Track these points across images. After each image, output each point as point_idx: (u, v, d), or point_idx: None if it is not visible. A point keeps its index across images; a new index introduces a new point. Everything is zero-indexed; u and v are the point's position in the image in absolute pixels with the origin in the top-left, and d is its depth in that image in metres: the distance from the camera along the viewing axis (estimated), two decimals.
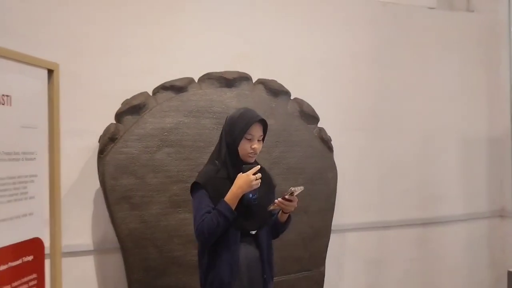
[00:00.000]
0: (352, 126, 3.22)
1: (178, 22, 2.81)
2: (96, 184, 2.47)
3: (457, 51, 3.55)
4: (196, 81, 2.64)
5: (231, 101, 2.62)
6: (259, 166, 1.85)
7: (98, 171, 2.41)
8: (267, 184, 1.97)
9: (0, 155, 1.62)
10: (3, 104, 1.64)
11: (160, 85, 2.54)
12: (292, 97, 2.83)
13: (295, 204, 1.87)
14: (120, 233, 2.37)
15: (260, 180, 1.82)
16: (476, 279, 3.58)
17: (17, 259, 1.73)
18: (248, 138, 1.87)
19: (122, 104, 2.48)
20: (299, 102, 2.82)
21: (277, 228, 1.99)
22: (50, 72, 1.92)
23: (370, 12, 3.31)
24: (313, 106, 2.85)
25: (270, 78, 2.77)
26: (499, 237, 3.59)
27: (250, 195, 1.82)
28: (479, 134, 3.59)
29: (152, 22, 2.74)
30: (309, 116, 2.82)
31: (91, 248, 2.58)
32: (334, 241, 3.00)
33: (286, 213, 1.92)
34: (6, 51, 1.66)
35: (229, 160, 1.88)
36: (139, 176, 2.40)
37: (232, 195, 1.80)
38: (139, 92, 2.51)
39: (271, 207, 1.86)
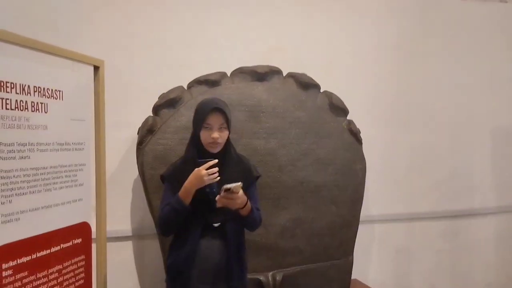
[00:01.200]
0: (381, 118, 3.25)
1: (213, 19, 2.92)
2: (136, 173, 2.62)
3: (488, 42, 3.51)
4: (229, 75, 2.73)
5: (262, 95, 2.70)
6: (214, 161, 1.79)
7: (137, 161, 2.55)
8: (241, 174, 1.91)
9: (54, 145, 1.78)
10: (55, 99, 1.79)
11: (194, 80, 2.65)
12: (321, 90, 2.88)
13: (237, 201, 1.78)
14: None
15: (216, 175, 1.77)
16: (506, 273, 3.56)
17: (68, 242, 1.90)
18: (207, 127, 1.84)
19: (159, 97, 2.60)
20: (328, 95, 2.87)
21: (242, 221, 1.92)
22: (96, 68, 2.07)
23: (399, 4, 3.31)
24: (342, 99, 2.90)
25: (300, 72, 2.84)
26: None
27: (207, 189, 1.78)
28: (510, 125, 3.54)
29: (188, 20, 2.87)
30: (338, 109, 2.87)
31: (130, 233, 2.74)
32: (362, 231, 3.05)
33: (235, 209, 1.83)
34: (58, 49, 1.81)
35: (196, 151, 1.88)
36: None
37: (184, 190, 1.79)
38: (175, 86, 2.63)
39: (218, 205, 1.79)
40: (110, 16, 2.71)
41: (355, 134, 2.90)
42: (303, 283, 2.71)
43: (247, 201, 1.85)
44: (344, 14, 3.20)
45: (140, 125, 2.56)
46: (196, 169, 1.78)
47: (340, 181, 2.82)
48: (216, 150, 1.88)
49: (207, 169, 1.77)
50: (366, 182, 2.95)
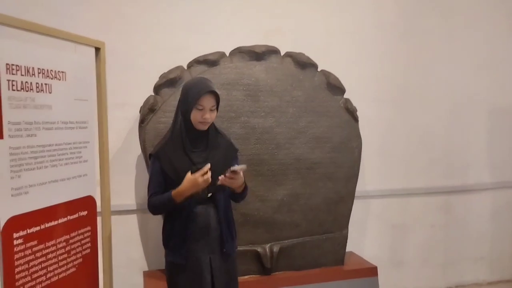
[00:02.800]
0: (379, 96, 3.31)
1: (211, 0, 2.96)
2: (138, 150, 2.73)
3: (486, 20, 3.51)
4: (227, 55, 2.80)
5: (260, 74, 2.78)
6: (208, 166, 1.85)
7: (140, 139, 2.65)
8: (225, 150, 2.03)
9: (59, 124, 1.89)
10: (59, 80, 1.88)
11: (194, 59, 2.73)
12: (319, 69, 2.94)
13: (239, 181, 1.89)
14: None
15: (208, 176, 1.83)
16: (499, 247, 3.66)
17: (74, 214, 2.03)
18: (199, 108, 1.91)
19: (159, 77, 2.69)
20: (326, 74, 2.93)
21: (234, 196, 2.06)
22: (97, 50, 2.15)
23: None
24: (340, 78, 2.95)
25: (298, 52, 2.89)
26: None
27: (202, 195, 1.92)
28: (508, 104, 3.58)
29: (187, 2, 2.92)
30: (335, 88, 2.93)
31: (135, 207, 2.88)
32: (359, 206, 3.17)
33: (233, 187, 1.94)
34: (60, 32, 1.89)
35: (184, 128, 1.94)
36: None
37: (179, 194, 1.86)
38: (175, 66, 2.71)
39: (218, 182, 1.87)
40: (109, 1, 2.78)
41: (352, 113, 2.97)
42: (299, 255, 2.85)
43: (244, 180, 1.96)
44: None
45: (142, 104, 2.65)
46: (192, 176, 1.85)
47: (337, 158, 2.91)
48: (204, 128, 1.97)
49: (202, 175, 1.84)
50: (362, 159, 3.04)
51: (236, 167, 1.84)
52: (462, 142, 3.52)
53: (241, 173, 1.90)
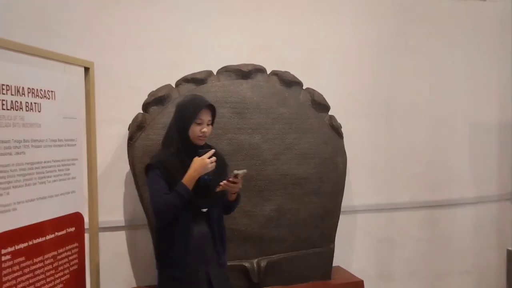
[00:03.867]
0: (362, 113, 3.39)
1: (199, 20, 3.05)
2: (127, 167, 2.77)
3: (468, 39, 3.63)
4: (215, 73, 2.87)
5: (246, 92, 2.85)
6: (213, 150, 1.99)
7: (128, 156, 2.69)
8: (220, 164, 2.09)
9: (47, 142, 1.93)
10: (48, 99, 1.94)
11: (182, 78, 2.79)
12: (304, 87, 3.02)
13: (239, 185, 2.00)
14: (148, 211, 2.66)
15: (215, 163, 1.97)
16: (483, 261, 3.72)
17: (62, 230, 2.06)
18: (198, 122, 2.00)
19: (148, 95, 2.74)
20: (310, 91, 3.01)
21: (227, 206, 2.14)
22: (87, 69, 2.21)
23: (379, 2, 3.43)
24: (324, 95, 3.03)
25: (283, 70, 2.97)
26: (508, 220, 3.71)
27: (206, 177, 1.96)
28: (490, 120, 3.69)
29: (175, 21, 3.00)
30: (320, 105, 3.01)
31: (123, 224, 2.90)
32: (344, 221, 3.21)
33: (233, 193, 2.05)
34: (50, 53, 1.96)
35: (181, 144, 2.01)
36: None
37: (189, 177, 1.92)
38: (163, 84, 2.77)
39: (218, 188, 1.97)
40: (101, 18, 2.85)
41: (336, 129, 3.04)
42: (286, 269, 2.88)
43: None
44: (325, 13, 3.32)
45: (130, 121, 2.70)
46: (199, 158, 1.94)
47: (322, 173, 2.97)
48: (202, 142, 2.06)
49: (209, 158, 1.96)
50: (348, 175, 3.11)
51: (239, 171, 1.94)
52: (445, 156, 3.60)
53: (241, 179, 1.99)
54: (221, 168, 2.10)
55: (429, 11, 3.55)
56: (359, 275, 3.07)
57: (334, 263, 3.05)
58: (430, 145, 3.56)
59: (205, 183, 1.98)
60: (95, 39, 2.82)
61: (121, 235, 2.92)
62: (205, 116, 2.03)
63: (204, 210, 2.03)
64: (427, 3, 3.55)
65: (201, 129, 2.01)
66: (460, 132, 3.64)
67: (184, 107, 2.04)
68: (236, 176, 1.94)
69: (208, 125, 2.04)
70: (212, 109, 2.06)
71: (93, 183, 2.29)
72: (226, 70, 2.86)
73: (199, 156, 1.96)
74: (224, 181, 1.95)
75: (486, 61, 3.69)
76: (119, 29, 2.89)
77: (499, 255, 3.72)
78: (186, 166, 1.96)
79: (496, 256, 3.65)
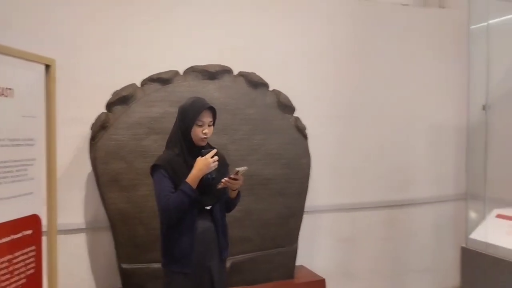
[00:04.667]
0: (328, 114, 3.46)
1: (166, 18, 3.02)
2: (88, 168, 2.70)
3: (429, 45, 3.78)
4: (181, 73, 2.85)
5: (213, 92, 2.84)
6: (215, 150, 2.06)
7: (90, 156, 2.63)
8: (221, 164, 2.14)
9: (5, 141, 1.85)
10: (6, 96, 1.86)
11: (147, 77, 2.75)
12: (270, 89, 3.05)
13: (240, 182, 2.05)
14: (110, 213, 2.61)
15: (217, 162, 2.03)
16: (441, 258, 3.88)
17: (18, 233, 1.97)
18: (199, 124, 2.05)
19: (112, 95, 2.69)
20: (276, 93, 3.04)
21: (228, 203, 2.21)
22: (48, 67, 2.13)
23: (346, 8, 3.53)
24: (290, 97, 3.06)
25: (250, 71, 2.99)
26: (463, 219, 3.87)
27: (209, 176, 2.02)
28: (447, 123, 3.85)
29: (141, 19, 2.95)
30: (286, 106, 3.05)
31: (84, 226, 2.83)
32: (308, 221, 3.27)
33: (234, 190, 2.12)
34: (9, 48, 1.87)
35: (185, 145, 2.07)
36: (128, 161, 2.62)
37: (193, 177, 1.99)
38: (128, 84, 2.72)
39: (220, 186, 2.03)
40: (64, 14, 2.76)
41: (301, 130, 3.09)
42: (251, 270, 2.90)
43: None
44: (293, 16, 3.37)
45: (93, 121, 2.64)
46: (203, 158, 2.01)
47: (288, 174, 3.00)
48: (204, 143, 2.11)
49: (212, 157, 2.01)
50: (313, 175, 3.16)
51: (240, 168, 1.99)
52: (405, 158, 3.73)
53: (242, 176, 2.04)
54: (223, 167, 2.16)
55: (392, 17, 3.67)
56: (321, 274, 3.13)
57: (298, 263, 3.10)
58: (392, 147, 3.68)
59: (209, 181, 2.04)
60: (57, 36, 2.72)
61: (81, 237, 2.84)
62: (206, 118, 2.07)
63: (208, 207, 2.09)
64: (390, 9, 3.68)
65: (202, 131, 2.06)
66: (419, 135, 3.78)
67: (186, 109, 2.09)
68: (237, 173, 1.99)
69: (209, 126, 2.09)
70: (213, 110, 2.11)
71: (53, 184, 2.21)
72: (193, 71, 2.85)
73: (202, 156, 2.02)
74: (226, 178, 2.01)
75: (444, 67, 3.85)
76: (83, 26, 2.81)
77: (455, 253, 3.88)
78: (189, 166, 2.02)
79: (452, 253, 3.81)
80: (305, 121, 3.11)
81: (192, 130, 2.06)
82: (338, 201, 3.51)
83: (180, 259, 2.06)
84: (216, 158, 2.02)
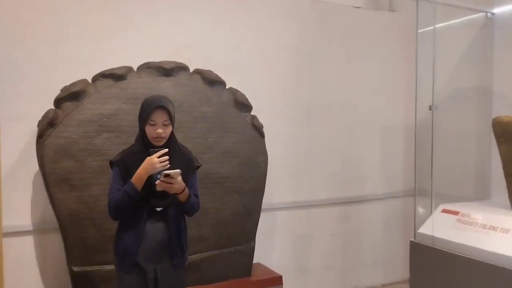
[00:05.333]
0: (284, 113, 3.51)
1: (120, 12, 2.93)
2: (35, 167, 2.57)
3: (380, 48, 3.92)
4: (135, 70, 2.77)
5: (169, 90, 2.78)
6: (165, 150, 1.96)
7: (37, 155, 2.50)
8: (184, 166, 2.06)
9: None
10: None
11: (99, 73, 2.66)
12: (227, 87, 3.04)
13: (175, 186, 1.93)
14: (60, 214, 2.50)
15: (166, 163, 1.93)
16: (391, 251, 4.04)
17: None
18: (152, 124, 1.99)
19: (61, 90, 2.57)
20: (233, 91, 3.04)
21: (182, 207, 2.10)
22: None
23: (300, 9, 3.58)
24: (247, 95, 3.07)
25: (206, 69, 2.96)
26: (411, 214, 4.05)
27: (158, 176, 1.93)
28: (397, 123, 4.00)
29: (94, 12, 2.85)
30: (243, 105, 3.05)
31: (31, 228, 2.70)
32: (265, 219, 3.29)
33: (174, 193, 1.98)
34: None
35: (142, 144, 2.04)
36: (78, 159, 2.52)
37: (137, 176, 1.94)
38: (78, 79, 2.61)
39: (157, 188, 1.93)
40: (6, 4, 2.61)
41: (258, 129, 3.10)
42: (207, 269, 2.88)
43: (184, 188, 2.00)
44: (250, 15, 3.38)
45: (40, 118, 2.51)
46: (149, 157, 1.94)
47: (244, 172, 3.01)
48: (160, 143, 2.02)
49: (159, 157, 1.92)
50: (269, 173, 3.18)
51: (169, 171, 1.89)
52: (359, 156, 3.85)
53: (179, 178, 1.94)
54: (185, 169, 2.06)
55: (344, 19, 3.77)
56: (278, 270, 3.17)
57: (255, 260, 3.12)
58: (345, 146, 3.79)
59: (154, 182, 1.96)
60: (2, 28, 2.57)
61: (29, 240, 2.71)
62: (159, 117, 1.98)
63: (159, 209, 2.02)
64: (342, 11, 3.77)
65: (155, 130, 1.98)
66: (371, 134, 3.91)
67: (142, 107, 2.04)
68: (166, 176, 1.89)
69: (165, 125, 2.00)
70: (168, 109, 2.00)
71: None
72: (147, 67, 2.78)
73: (150, 155, 1.95)
74: (157, 181, 1.92)
75: (395, 69, 4.00)
76: (27, 17, 2.66)
77: (404, 247, 4.04)
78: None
79: (401, 247, 3.97)
80: (262, 119, 3.13)
81: (146, 129, 2.01)
82: (294, 198, 3.56)
83: (122, 258, 2.03)
84: (165, 158, 1.94)
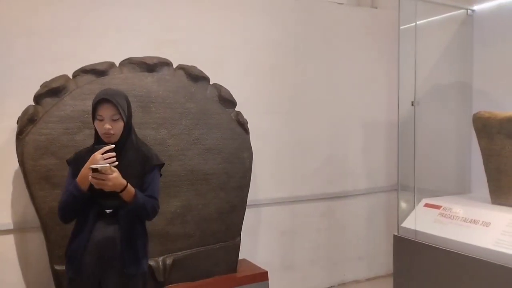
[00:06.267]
0: (269, 109, 3.51)
1: (101, 6, 2.87)
2: (15, 164, 2.51)
3: (362, 44, 3.95)
4: (117, 65, 2.73)
5: (152, 85, 2.75)
6: (110, 146, 1.85)
7: (17, 152, 2.45)
8: (138, 164, 1.98)
9: None
10: None
11: (80, 69, 2.61)
12: (211, 83, 3.02)
13: (108, 183, 1.80)
14: (41, 212, 2.45)
15: (111, 160, 1.83)
16: (375, 246, 4.08)
17: None
18: (99, 119, 1.89)
19: (41, 86, 2.52)
20: (217, 87, 3.02)
21: (128, 208, 1.93)
22: None
23: (283, 5, 3.58)
24: (232, 91, 3.06)
25: (190, 64, 2.93)
26: (395, 209, 4.10)
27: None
28: (379, 119, 4.05)
29: (75, 6, 2.79)
30: (227, 101, 3.03)
31: (11, 227, 2.64)
32: (250, 215, 3.29)
33: (106, 190, 1.83)
34: None
35: (95, 140, 1.98)
36: (59, 156, 2.46)
37: (80, 175, 1.85)
38: (58, 75, 2.56)
39: (96, 186, 1.83)
40: None
41: (243, 125, 3.09)
42: (192, 265, 2.87)
43: (125, 186, 1.86)
44: (234, 10, 3.36)
45: (20, 114, 2.46)
46: (93, 154, 1.83)
47: (229, 168, 3.00)
48: (111, 140, 1.91)
49: (103, 153, 1.82)
50: (254, 169, 3.18)
51: (96, 166, 1.77)
52: (341, 152, 3.88)
53: (114, 175, 1.80)
54: (142, 166, 1.97)
55: (327, 16, 3.78)
56: (264, 266, 3.17)
57: (240, 256, 3.12)
58: (328, 142, 3.81)
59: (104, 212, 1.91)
60: None
61: (9, 239, 2.65)
62: (106, 112, 1.88)
63: (108, 211, 1.91)
64: (325, 8, 3.78)
65: (103, 126, 1.88)
66: (354, 130, 3.94)
67: (92, 103, 1.95)
68: (96, 171, 1.76)
69: (114, 120, 1.89)
70: (116, 102, 1.89)
71: None
72: (129, 62, 2.74)
73: (94, 152, 1.84)
74: (89, 176, 1.79)
75: (377, 65, 4.03)
76: (6, 12, 2.60)
77: (388, 241, 4.09)
78: None
79: (385, 242, 4.02)
80: (246, 115, 3.12)
81: (95, 124, 1.92)
82: (278, 194, 3.57)
83: (68, 262, 1.93)
84: (109, 155, 1.83)
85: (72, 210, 1.88)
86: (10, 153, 2.51)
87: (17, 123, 2.48)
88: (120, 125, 1.92)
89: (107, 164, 1.80)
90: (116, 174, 1.82)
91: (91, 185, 1.84)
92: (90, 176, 1.79)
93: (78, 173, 1.87)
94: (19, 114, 2.47)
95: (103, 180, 1.79)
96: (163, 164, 2.11)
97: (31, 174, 2.41)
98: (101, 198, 1.89)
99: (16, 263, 2.67)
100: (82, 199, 1.85)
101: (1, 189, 2.61)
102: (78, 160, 1.92)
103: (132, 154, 1.97)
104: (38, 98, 2.50)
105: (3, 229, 2.61)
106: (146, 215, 1.99)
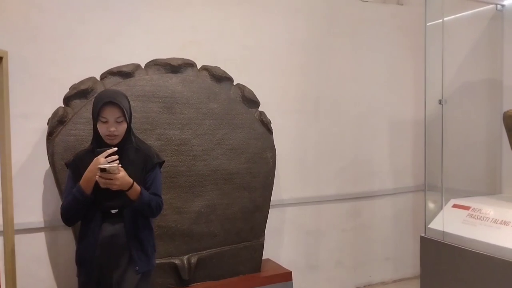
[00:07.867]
0: (292, 109, 3.49)
1: (127, 10, 2.94)
2: (46, 164, 2.60)
3: (388, 41, 3.88)
4: (143, 67, 2.79)
5: (176, 86, 2.80)
6: (113, 149, 1.84)
7: (48, 152, 2.53)
8: (140, 165, 1.99)
9: None
10: None
11: (107, 71, 2.67)
12: (234, 83, 3.04)
13: (116, 182, 1.81)
14: None
15: (116, 162, 1.83)
16: (402, 247, 4.01)
17: None
18: (103, 121, 1.87)
19: (70, 88, 2.59)
20: (241, 87, 3.04)
21: (136, 208, 1.95)
22: None
23: (308, 3, 3.55)
24: (255, 91, 3.07)
25: (214, 65, 2.96)
26: (422, 209, 4.02)
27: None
28: (406, 117, 3.97)
29: (101, 9, 2.86)
30: (250, 101, 3.05)
31: (43, 225, 2.72)
32: (275, 215, 3.30)
33: (114, 189, 1.84)
34: None
35: (95, 143, 1.95)
36: None
37: (84, 179, 1.85)
38: (87, 77, 2.63)
39: (102, 186, 1.84)
40: (17, 3, 2.64)
41: (266, 125, 3.10)
42: (217, 265, 2.89)
43: (132, 185, 1.87)
44: (257, 10, 3.37)
45: (50, 116, 2.54)
46: (95, 158, 1.84)
47: (252, 168, 3.01)
48: (114, 141, 1.91)
49: (106, 157, 1.83)
50: (277, 169, 3.18)
51: (104, 166, 1.78)
52: (367, 151, 3.82)
53: (121, 174, 1.82)
54: (139, 168, 1.98)
55: (352, 14, 3.73)
56: (287, 266, 3.17)
57: (264, 256, 3.12)
58: (354, 141, 3.76)
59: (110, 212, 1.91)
60: (9, 27, 2.60)
61: (40, 237, 2.74)
62: (110, 114, 1.86)
63: (114, 211, 1.93)
64: (350, 5, 3.74)
65: (108, 128, 1.87)
66: (380, 129, 3.88)
67: (93, 104, 1.92)
68: (104, 171, 1.77)
69: (118, 122, 1.88)
70: (121, 105, 1.88)
71: (8, 182, 2.12)
72: (155, 64, 2.79)
73: (96, 155, 1.84)
74: (96, 176, 1.81)
75: (404, 63, 3.95)
76: (37, 16, 2.69)
77: (414, 242, 4.01)
78: None
79: (412, 242, 3.94)
80: (270, 115, 3.12)
81: (98, 126, 1.90)
82: (303, 194, 3.55)
83: (81, 264, 1.95)
84: (113, 158, 1.82)
85: (76, 213, 1.90)
86: (41, 153, 2.59)
87: (48, 124, 2.56)
88: (123, 127, 1.92)
89: (115, 165, 1.81)
90: (123, 173, 1.84)
91: (94, 188, 1.87)
92: (97, 176, 1.80)
93: (78, 175, 1.89)
94: (49, 115, 2.55)
95: (111, 179, 1.81)
96: (163, 162, 2.13)
97: (60, 174, 2.49)
98: (105, 199, 1.90)
99: (47, 260, 2.76)
100: (86, 202, 1.86)
101: (33, 188, 2.70)
102: (77, 163, 1.94)
103: (133, 153, 1.98)
104: (67, 99, 2.57)
105: (35, 227, 2.69)
106: (151, 212, 2.00)
